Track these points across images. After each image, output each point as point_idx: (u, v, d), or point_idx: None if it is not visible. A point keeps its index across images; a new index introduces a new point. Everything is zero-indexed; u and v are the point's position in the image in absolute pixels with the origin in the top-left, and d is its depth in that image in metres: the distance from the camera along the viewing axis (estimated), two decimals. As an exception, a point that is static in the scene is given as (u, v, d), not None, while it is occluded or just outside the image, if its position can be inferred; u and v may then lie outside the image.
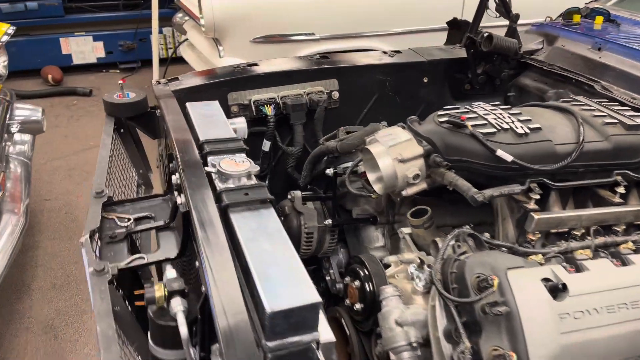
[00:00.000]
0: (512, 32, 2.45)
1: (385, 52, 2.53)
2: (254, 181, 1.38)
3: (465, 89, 2.57)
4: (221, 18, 3.84)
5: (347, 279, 1.77)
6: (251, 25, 3.93)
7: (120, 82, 1.99)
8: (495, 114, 1.65)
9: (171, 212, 1.46)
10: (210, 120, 1.70)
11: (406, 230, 1.82)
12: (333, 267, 2.05)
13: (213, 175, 1.41)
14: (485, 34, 2.34)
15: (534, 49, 2.59)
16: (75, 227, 3.89)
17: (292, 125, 2.27)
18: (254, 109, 2.20)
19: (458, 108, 1.72)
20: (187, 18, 4.80)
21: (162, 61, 5.42)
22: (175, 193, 1.43)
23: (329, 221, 1.93)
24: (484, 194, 1.45)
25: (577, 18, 2.67)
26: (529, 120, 1.65)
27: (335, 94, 2.35)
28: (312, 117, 2.31)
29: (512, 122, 1.62)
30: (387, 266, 1.77)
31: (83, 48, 6.40)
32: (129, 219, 1.46)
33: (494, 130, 1.58)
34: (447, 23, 2.92)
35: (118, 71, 6.63)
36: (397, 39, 4.18)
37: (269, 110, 2.18)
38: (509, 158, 1.50)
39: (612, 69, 2.22)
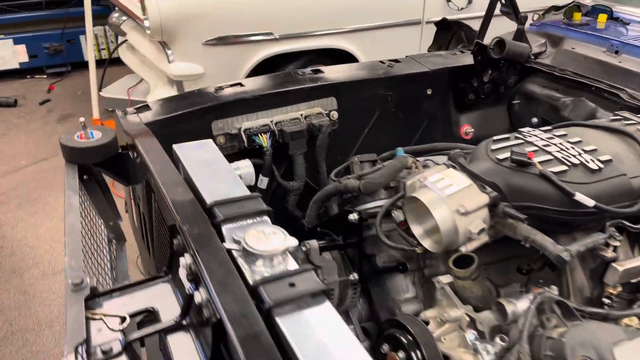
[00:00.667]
0: (520, 35, 2.21)
1: (383, 62, 2.22)
2: (291, 261, 1.06)
3: (470, 98, 2.32)
4: (168, 19, 3.40)
5: (385, 347, 1.47)
6: (203, 26, 3.52)
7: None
8: (556, 145, 1.39)
9: (183, 307, 1.10)
10: (211, 168, 1.34)
11: (445, 279, 1.54)
12: (354, 323, 1.74)
13: (234, 252, 1.07)
14: (496, 39, 2.08)
15: (537, 51, 2.36)
16: (13, 263, 3.42)
17: (292, 156, 1.93)
18: (245, 139, 1.83)
19: (509, 138, 1.44)
20: (125, 18, 4.30)
21: (97, 64, 4.88)
22: (186, 282, 1.07)
23: (355, 276, 1.62)
24: (570, 251, 1.19)
25: (577, 16, 2.47)
26: (595, 150, 1.40)
27: (334, 114, 2.02)
28: (313, 144, 1.98)
29: (579, 154, 1.36)
30: (425, 323, 1.49)
31: (3, 52, 5.80)
32: (123, 318, 1.08)
33: (564, 167, 1.31)
34: (436, 24, 2.66)
35: (45, 77, 6.07)
36: (361, 35, 3.92)
37: (265, 141, 1.82)
38: (590, 203, 1.24)
39: (636, 74, 2.02)
